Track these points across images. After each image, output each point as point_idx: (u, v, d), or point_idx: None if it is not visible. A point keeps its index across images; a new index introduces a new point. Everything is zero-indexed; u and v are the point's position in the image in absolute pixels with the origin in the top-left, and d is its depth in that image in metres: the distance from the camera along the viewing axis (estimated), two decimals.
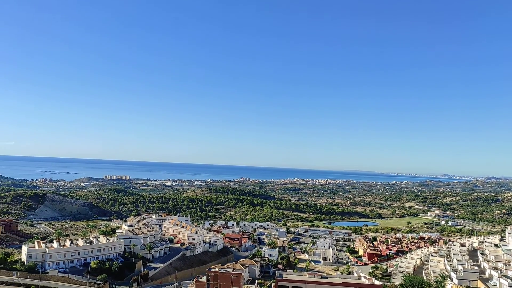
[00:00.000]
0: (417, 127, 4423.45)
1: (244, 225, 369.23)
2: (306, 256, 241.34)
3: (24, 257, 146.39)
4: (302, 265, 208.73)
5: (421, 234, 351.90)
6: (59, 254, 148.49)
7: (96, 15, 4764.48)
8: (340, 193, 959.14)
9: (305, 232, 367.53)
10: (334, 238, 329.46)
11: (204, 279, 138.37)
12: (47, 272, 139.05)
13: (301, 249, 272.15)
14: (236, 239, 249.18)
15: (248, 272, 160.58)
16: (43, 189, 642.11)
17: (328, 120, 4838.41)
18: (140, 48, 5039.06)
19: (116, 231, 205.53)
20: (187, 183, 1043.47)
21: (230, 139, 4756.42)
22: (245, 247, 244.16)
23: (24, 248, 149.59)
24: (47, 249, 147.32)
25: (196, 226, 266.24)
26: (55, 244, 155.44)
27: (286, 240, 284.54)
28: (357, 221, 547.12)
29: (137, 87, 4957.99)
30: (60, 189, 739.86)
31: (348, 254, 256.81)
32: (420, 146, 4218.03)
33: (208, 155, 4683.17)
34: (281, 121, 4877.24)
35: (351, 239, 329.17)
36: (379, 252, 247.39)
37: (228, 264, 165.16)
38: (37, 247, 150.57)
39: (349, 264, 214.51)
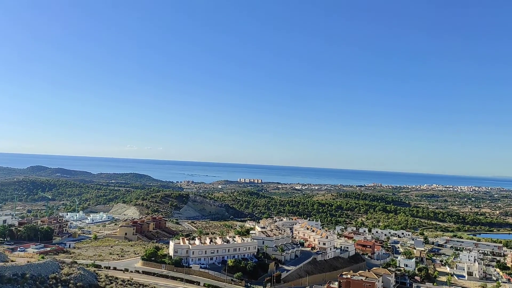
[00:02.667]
0: None
1: (377, 232, 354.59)
2: (447, 269, 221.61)
3: (171, 252, 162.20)
4: (443, 278, 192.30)
5: None
6: (201, 251, 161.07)
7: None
8: (488, 201, 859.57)
9: (445, 243, 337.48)
10: (480, 251, 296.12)
11: (335, 285, 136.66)
12: (191, 267, 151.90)
13: (441, 261, 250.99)
14: (368, 246, 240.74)
15: (382, 282, 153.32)
16: (186, 191, 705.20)
17: (471, 121, 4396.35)
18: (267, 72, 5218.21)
19: (250, 232, 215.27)
20: (316, 188, 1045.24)
21: (359, 144, 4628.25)
22: (378, 255, 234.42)
23: (171, 244, 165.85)
24: (190, 246, 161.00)
25: (326, 230, 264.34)
26: (197, 242, 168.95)
27: (424, 251, 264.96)
28: (509, 233, 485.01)
29: (270, 96, 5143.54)
30: (201, 191, 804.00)
31: (498, 270, 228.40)
32: None
33: (337, 160, 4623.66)
34: (416, 124, 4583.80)
35: (502, 254, 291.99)
36: None
37: (360, 271, 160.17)
38: (181, 244, 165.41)
39: (500, 281, 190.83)
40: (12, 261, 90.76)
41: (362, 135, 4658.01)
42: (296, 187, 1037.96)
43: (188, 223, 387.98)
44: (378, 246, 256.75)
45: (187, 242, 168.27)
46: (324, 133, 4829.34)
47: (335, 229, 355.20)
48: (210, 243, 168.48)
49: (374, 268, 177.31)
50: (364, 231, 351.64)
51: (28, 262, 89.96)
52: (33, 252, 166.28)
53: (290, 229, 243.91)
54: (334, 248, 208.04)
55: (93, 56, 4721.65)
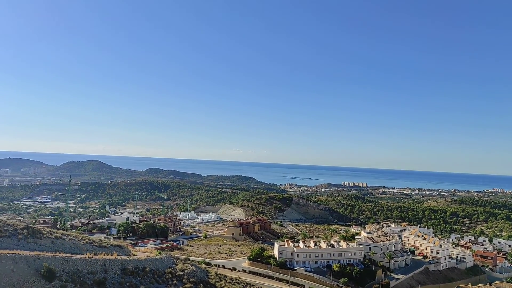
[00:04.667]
0: None
1: (499, 242, 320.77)
2: None
3: (276, 253, 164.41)
4: None
5: None
6: (305, 254, 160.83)
7: None
8: None
9: None
10: None
11: None
12: (295, 270, 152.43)
13: None
14: (489, 258, 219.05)
15: None
16: (290, 193, 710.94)
17: None
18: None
19: (355, 237, 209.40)
20: (427, 193, 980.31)
21: (475, 145, 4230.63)
22: (501, 268, 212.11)
23: (276, 246, 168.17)
24: (294, 248, 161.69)
25: (439, 239, 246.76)
26: (301, 244, 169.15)
27: None
28: None
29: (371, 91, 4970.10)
30: (304, 194, 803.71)
31: None
32: None
33: (450, 162, 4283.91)
34: None
35: None
36: None
37: (479, 285, 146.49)
38: (286, 246, 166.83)
39: None
40: (134, 255, 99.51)
41: (484, 136, 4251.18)
42: (405, 192, 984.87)
43: (292, 225, 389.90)
44: (501, 258, 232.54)
45: (291, 244, 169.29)
46: (436, 134, 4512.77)
47: (449, 237, 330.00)
48: (314, 246, 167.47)
49: (497, 282, 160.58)
50: (484, 241, 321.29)
51: (148, 257, 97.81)
52: (152, 247, 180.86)
53: (399, 236, 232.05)
54: (449, 258, 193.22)
55: (224, 53, 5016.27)
